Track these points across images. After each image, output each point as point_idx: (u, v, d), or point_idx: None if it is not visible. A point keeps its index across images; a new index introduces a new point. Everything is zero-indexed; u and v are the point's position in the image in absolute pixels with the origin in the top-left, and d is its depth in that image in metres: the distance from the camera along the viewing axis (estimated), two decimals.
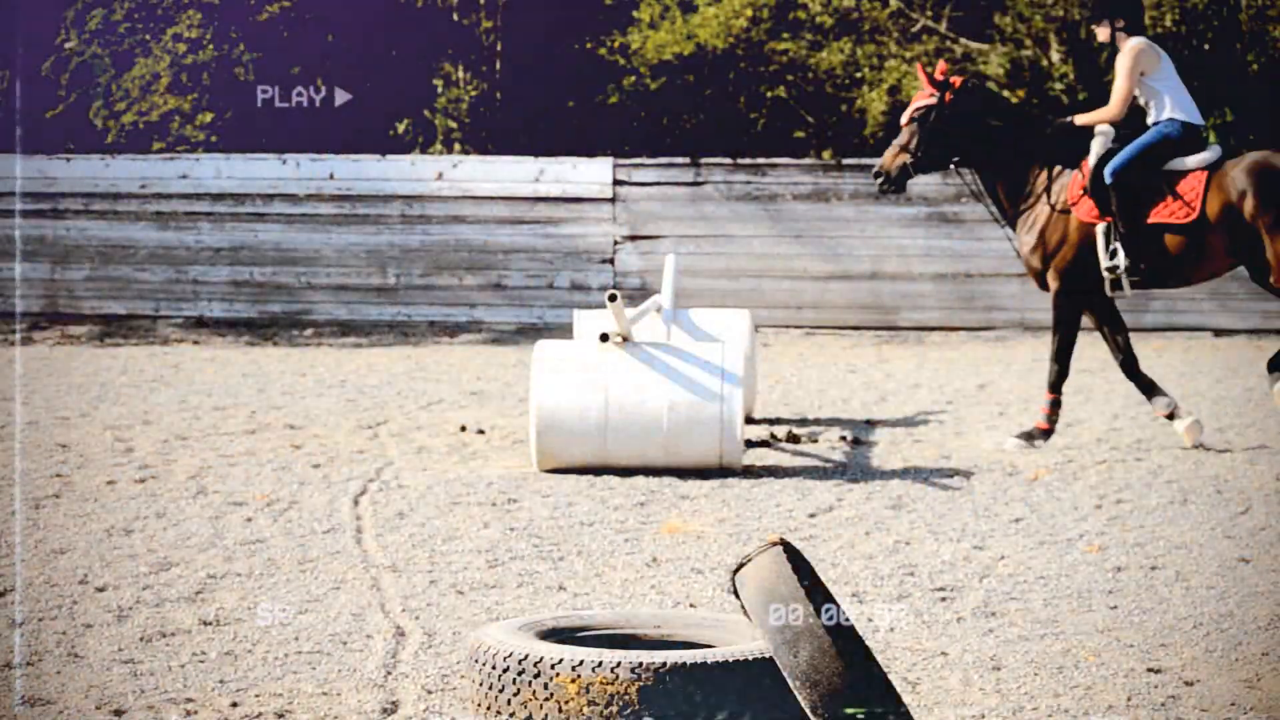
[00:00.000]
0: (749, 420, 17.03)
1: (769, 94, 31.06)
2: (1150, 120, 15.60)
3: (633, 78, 31.03)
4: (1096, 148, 15.52)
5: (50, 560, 11.15)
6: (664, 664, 7.15)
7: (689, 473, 14.13)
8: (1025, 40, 29.32)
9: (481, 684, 7.41)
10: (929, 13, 29.87)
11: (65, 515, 12.50)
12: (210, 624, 9.67)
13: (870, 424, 17.20)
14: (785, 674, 6.73)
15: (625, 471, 14.14)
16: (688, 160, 27.75)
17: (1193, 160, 15.39)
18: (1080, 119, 15.70)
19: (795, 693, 6.69)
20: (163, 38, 28.06)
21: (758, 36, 30.31)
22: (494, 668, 7.39)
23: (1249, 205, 15.04)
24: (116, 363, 22.18)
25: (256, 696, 8.40)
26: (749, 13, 30.20)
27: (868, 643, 8.86)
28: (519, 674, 7.32)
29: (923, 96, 15.70)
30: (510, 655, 7.36)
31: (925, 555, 11.51)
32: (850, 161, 28.40)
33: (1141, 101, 15.68)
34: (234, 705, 8.25)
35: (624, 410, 14.17)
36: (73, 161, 26.21)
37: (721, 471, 14.20)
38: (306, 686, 8.54)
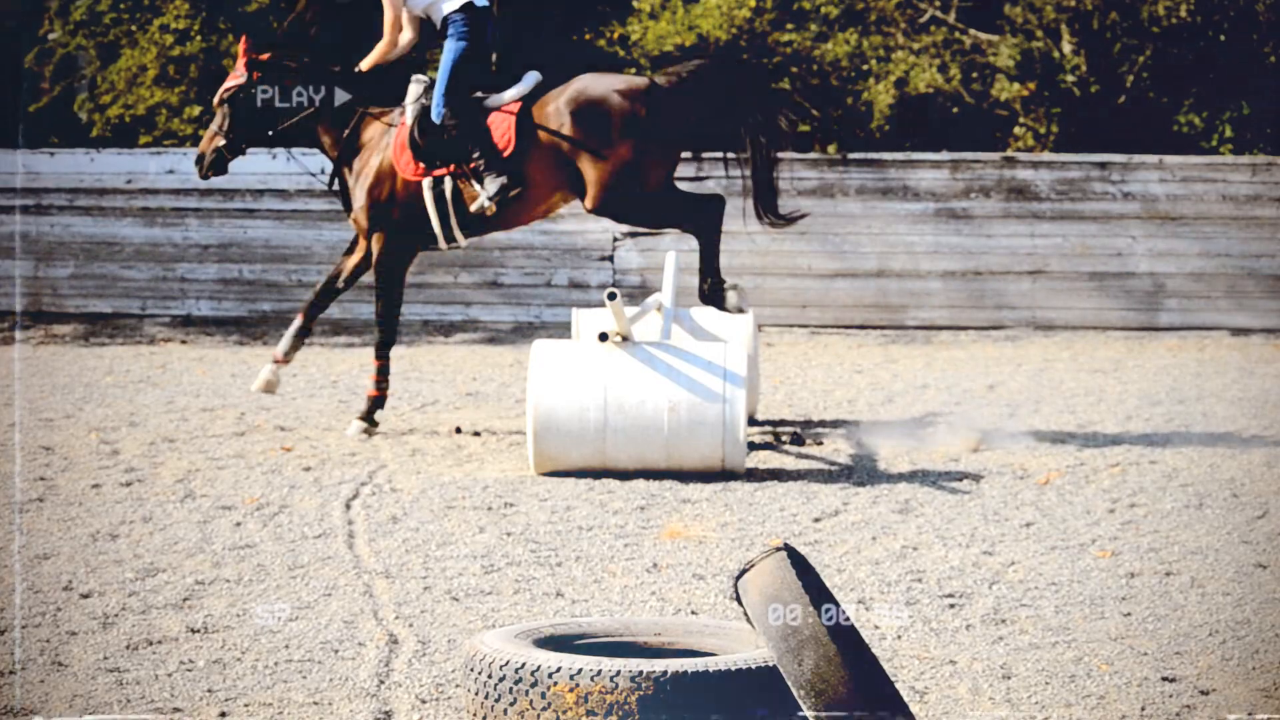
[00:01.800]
0: (752, 422, 16.93)
1: (772, 87, 30.95)
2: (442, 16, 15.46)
3: (633, 70, 30.90)
4: (409, 102, 15.51)
5: (34, 566, 11.10)
6: (664, 673, 7.02)
7: (690, 476, 14.06)
8: (1036, 31, 29.21)
9: (477, 693, 7.28)
10: (937, 3, 29.76)
11: (49, 520, 12.46)
12: (198, 631, 9.61)
13: (876, 425, 17.11)
14: (789, 682, 6.62)
15: (625, 475, 14.08)
16: (689, 155, 27.60)
17: (509, 94, 15.44)
18: (364, 63, 15.72)
19: (799, 701, 6.58)
20: (149, 29, 27.97)
21: (761, 28, 30.17)
22: (490, 677, 7.25)
23: (566, 138, 15.15)
24: (102, 363, 22.15)
25: (246, 706, 8.33)
26: (752, 3, 30.08)
27: (874, 650, 8.69)
28: (515, 683, 7.19)
29: (234, 77, 15.89)
30: (507, 664, 7.23)
31: (933, 561, 11.44)
32: (856, 156, 28.32)
33: (423, 13, 15.59)
34: (223, 715, 8.20)
35: (624, 412, 14.07)
36: (56, 156, 26.08)
37: (724, 475, 14.13)
38: (297, 695, 8.47)
